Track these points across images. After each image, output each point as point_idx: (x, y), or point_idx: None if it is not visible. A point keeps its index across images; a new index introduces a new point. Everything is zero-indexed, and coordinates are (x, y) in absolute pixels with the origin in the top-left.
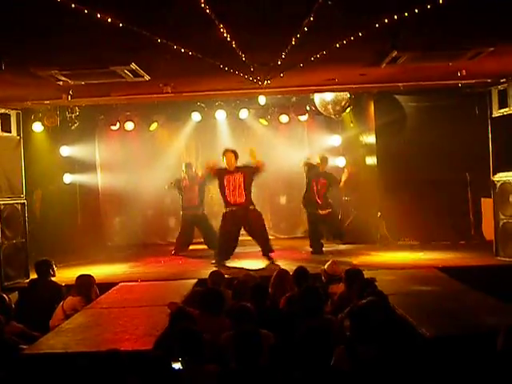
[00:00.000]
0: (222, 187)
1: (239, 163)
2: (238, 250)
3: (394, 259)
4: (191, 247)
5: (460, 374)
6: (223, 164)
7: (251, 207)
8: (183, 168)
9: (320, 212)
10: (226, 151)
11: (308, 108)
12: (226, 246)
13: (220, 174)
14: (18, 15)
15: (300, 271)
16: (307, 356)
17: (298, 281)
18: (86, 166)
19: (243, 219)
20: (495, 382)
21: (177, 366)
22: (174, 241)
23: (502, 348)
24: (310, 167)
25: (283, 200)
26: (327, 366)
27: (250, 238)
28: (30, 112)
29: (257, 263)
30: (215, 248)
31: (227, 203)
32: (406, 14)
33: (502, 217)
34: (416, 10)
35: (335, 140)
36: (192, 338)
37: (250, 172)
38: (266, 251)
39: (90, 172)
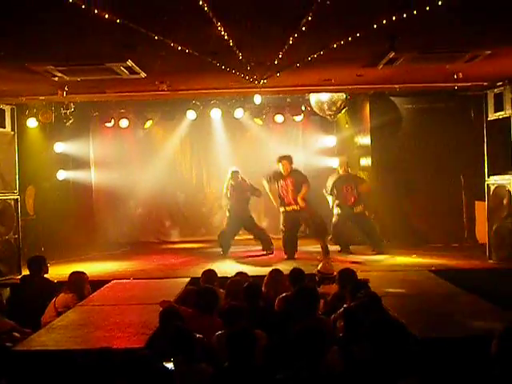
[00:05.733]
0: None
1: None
2: (232, 249)
3: (387, 261)
4: (185, 245)
5: (452, 376)
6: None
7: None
8: (229, 175)
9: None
10: (281, 158)
11: (303, 108)
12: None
13: (276, 177)
14: (13, 9)
15: (295, 272)
16: (300, 356)
17: (294, 281)
18: (80, 163)
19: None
20: None
21: (169, 365)
22: (168, 239)
23: (495, 352)
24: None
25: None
26: (320, 367)
27: (244, 237)
28: (24, 107)
29: (250, 263)
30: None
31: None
32: (405, 16)
33: (496, 220)
34: (414, 12)
35: (330, 141)
36: (184, 337)
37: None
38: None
39: (84, 169)
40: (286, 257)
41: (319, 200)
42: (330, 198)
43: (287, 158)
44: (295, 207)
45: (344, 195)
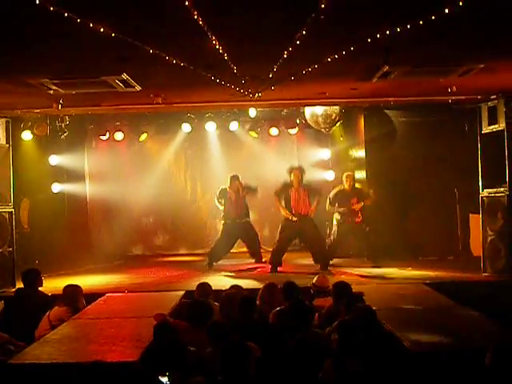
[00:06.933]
0: (287, 202)
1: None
2: (226, 262)
3: (381, 274)
4: (180, 258)
5: None
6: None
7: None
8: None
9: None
10: (293, 168)
11: (298, 121)
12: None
13: (285, 188)
14: (10, 23)
15: (288, 286)
16: (295, 369)
17: (287, 295)
18: (75, 176)
19: (300, 228)
20: None
21: (163, 379)
22: (162, 252)
23: (489, 366)
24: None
25: (272, 213)
26: (314, 379)
27: (237, 250)
28: (19, 120)
29: (245, 276)
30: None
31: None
32: (399, 30)
33: (490, 233)
34: (408, 26)
35: (324, 154)
36: (178, 351)
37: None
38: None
39: (79, 182)
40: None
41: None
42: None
43: (299, 169)
44: (305, 216)
45: (349, 212)
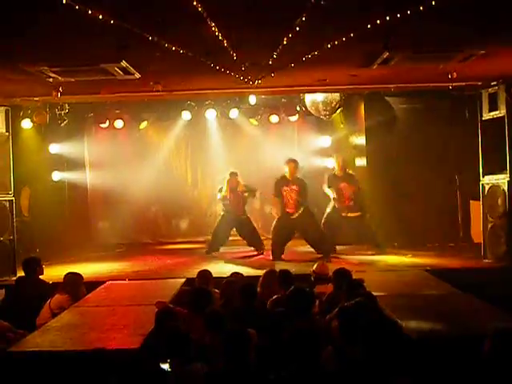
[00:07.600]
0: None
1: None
2: (226, 249)
3: (382, 261)
4: (180, 246)
5: (446, 375)
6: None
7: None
8: (228, 176)
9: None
10: (289, 160)
11: (298, 108)
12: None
13: (279, 184)
14: (7, 10)
15: (283, 274)
16: (295, 356)
17: (283, 283)
18: (75, 164)
19: (294, 225)
20: None
21: (164, 366)
22: (163, 240)
23: (488, 351)
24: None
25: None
26: (315, 367)
27: (238, 238)
28: (18, 109)
29: (245, 263)
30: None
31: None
32: (398, 16)
33: (491, 219)
34: (408, 12)
35: (325, 141)
36: (179, 338)
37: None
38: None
39: (79, 170)
40: (272, 258)
41: (316, 202)
42: (329, 193)
43: (295, 162)
44: (293, 215)
45: (340, 197)
